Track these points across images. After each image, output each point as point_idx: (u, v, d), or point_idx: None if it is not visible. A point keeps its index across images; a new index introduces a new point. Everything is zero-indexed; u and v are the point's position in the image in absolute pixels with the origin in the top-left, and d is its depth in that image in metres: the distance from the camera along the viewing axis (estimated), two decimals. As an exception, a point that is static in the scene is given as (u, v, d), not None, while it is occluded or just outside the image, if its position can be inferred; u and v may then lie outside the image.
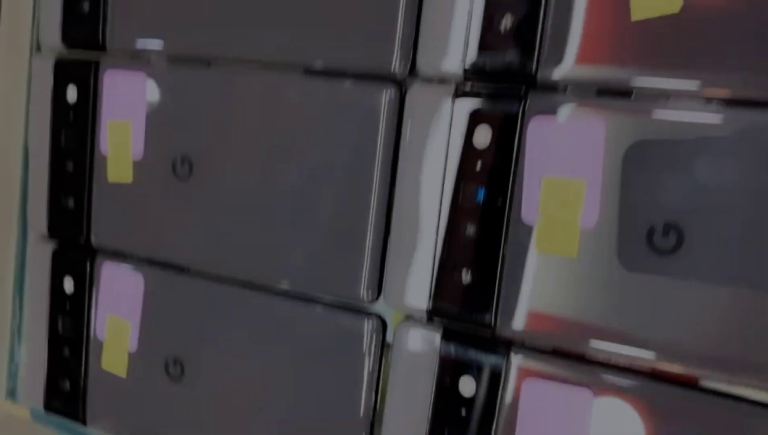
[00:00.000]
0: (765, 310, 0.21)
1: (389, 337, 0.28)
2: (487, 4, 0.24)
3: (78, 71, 0.31)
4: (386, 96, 0.26)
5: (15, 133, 0.35)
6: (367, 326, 0.27)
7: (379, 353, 0.28)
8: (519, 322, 0.24)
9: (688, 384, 0.23)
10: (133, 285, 0.32)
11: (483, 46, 0.24)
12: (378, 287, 0.27)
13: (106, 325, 0.33)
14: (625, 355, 0.23)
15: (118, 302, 0.32)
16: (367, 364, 0.27)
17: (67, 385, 0.34)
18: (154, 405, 0.32)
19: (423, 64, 0.25)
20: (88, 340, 0.33)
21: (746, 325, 0.21)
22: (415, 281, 0.26)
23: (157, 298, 0.31)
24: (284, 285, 0.29)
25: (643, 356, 0.23)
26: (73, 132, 0.32)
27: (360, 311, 0.28)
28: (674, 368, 0.23)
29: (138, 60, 0.31)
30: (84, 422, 0.34)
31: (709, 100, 0.22)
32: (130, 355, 0.32)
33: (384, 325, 0.28)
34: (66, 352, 0.34)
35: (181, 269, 0.31)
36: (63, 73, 0.32)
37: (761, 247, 0.21)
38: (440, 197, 0.25)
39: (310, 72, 0.27)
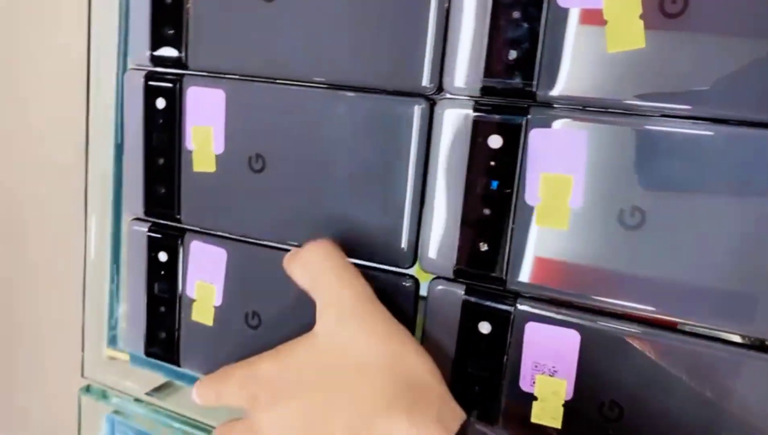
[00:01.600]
0: (713, 273, 0.29)
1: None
2: (497, 41, 0.31)
3: (165, 85, 0.39)
4: (419, 108, 0.33)
5: (107, 135, 0.43)
6: (406, 283, 0.36)
7: (414, 304, 0.36)
8: (523, 279, 0.33)
9: (658, 325, 0.31)
10: (218, 256, 0.40)
11: (495, 72, 0.31)
12: (414, 256, 0.35)
13: (195, 288, 0.41)
14: (603, 302, 0.31)
15: (205, 270, 0.40)
16: (407, 312, 0.36)
17: (163, 334, 0.43)
18: (234, 346, 0.41)
19: (447, 83, 0.33)
20: (181, 298, 0.42)
21: (698, 282, 0.30)
22: (445, 250, 0.34)
23: (237, 266, 0.40)
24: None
25: (617, 303, 0.31)
26: (163, 133, 0.39)
27: (399, 274, 0.36)
28: (643, 313, 0.31)
29: (215, 77, 0.38)
30: (178, 364, 0.43)
31: (664, 115, 0.29)
32: (216, 309, 0.41)
33: (417, 283, 0.36)
34: (162, 308, 0.42)
35: (256, 243, 0.39)
36: (153, 86, 0.39)
37: (705, 221, 0.29)
38: (463, 187, 0.33)
39: (355, 89, 0.35)
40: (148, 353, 0.44)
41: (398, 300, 0.36)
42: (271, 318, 0.39)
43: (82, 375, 0.48)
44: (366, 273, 0.36)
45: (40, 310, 0.82)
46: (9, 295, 0.84)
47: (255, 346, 0.39)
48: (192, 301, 0.41)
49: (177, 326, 0.42)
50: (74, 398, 0.49)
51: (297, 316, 0.38)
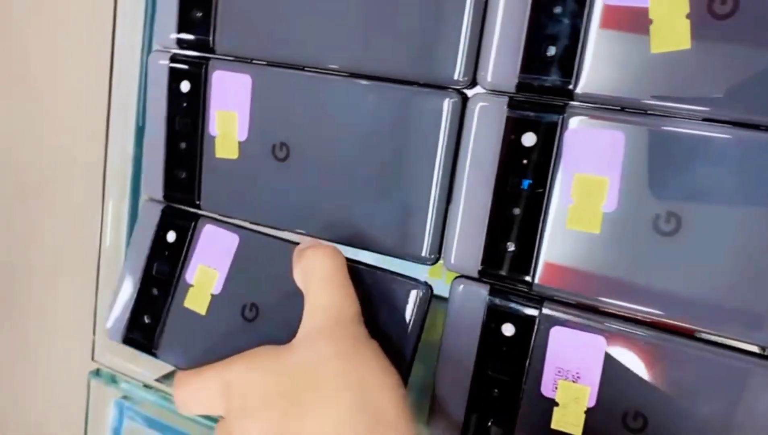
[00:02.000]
0: (743, 284, 0.28)
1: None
2: (535, 36, 0.30)
3: (191, 68, 0.38)
4: (450, 101, 0.33)
5: (129, 117, 0.42)
6: (418, 291, 0.34)
7: (425, 312, 0.34)
8: (550, 282, 0.32)
9: (686, 335, 0.30)
10: (230, 241, 0.39)
11: (532, 68, 0.30)
12: (437, 254, 0.34)
13: (196, 272, 0.40)
14: (631, 309, 0.30)
15: (211, 255, 0.39)
16: (417, 320, 0.34)
17: (147, 319, 0.40)
18: (223, 339, 0.39)
19: (481, 78, 0.32)
20: (177, 283, 0.40)
21: (728, 293, 0.29)
22: (470, 249, 0.33)
23: (247, 255, 0.38)
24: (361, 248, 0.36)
25: (646, 310, 0.30)
26: (186, 118, 0.39)
27: (410, 280, 0.34)
28: (672, 322, 0.30)
29: (242, 62, 0.37)
30: (155, 354, 0.40)
31: (705, 120, 0.28)
32: (213, 297, 0.39)
33: (430, 289, 0.34)
34: (154, 291, 0.40)
35: (272, 235, 0.38)
36: (178, 69, 0.38)
37: (740, 230, 0.28)
38: (493, 185, 0.32)
39: (385, 79, 0.34)
40: (126, 340, 0.41)
41: (408, 308, 0.34)
42: (270, 313, 0.37)
43: (93, 358, 0.48)
44: (377, 277, 0.35)
45: (53, 292, 0.82)
46: (23, 276, 0.84)
47: (245, 340, 0.36)
48: (189, 286, 0.40)
49: (165, 312, 0.40)
50: (83, 381, 0.48)
51: (296, 315, 0.37)
